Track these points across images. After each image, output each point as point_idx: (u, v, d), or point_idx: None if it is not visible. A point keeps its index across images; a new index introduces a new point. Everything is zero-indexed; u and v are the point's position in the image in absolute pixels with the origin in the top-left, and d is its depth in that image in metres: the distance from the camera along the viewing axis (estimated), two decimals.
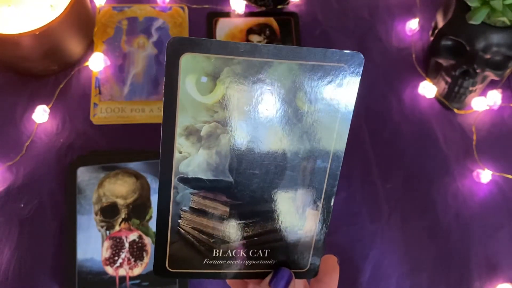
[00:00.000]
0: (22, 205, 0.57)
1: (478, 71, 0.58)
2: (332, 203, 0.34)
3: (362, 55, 0.30)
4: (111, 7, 0.66)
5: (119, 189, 0.57)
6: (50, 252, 0.55)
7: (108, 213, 0.56)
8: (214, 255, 0.34)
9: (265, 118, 0.30)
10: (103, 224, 0.56)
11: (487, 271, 0.58)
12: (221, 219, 0.33)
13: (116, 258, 0.55)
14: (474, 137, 0.63)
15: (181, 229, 0.33)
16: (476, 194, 0.61)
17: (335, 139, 0.32)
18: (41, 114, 0.59)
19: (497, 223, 0.60)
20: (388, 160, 0.62)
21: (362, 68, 0.30)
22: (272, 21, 0.67)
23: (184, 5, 0.67)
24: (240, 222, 0.33)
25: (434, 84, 0.63)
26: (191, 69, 0.29)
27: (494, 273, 0.58)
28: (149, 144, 0.58)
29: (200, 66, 0.29)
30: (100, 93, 0.62)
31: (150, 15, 0.66)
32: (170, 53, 0.28)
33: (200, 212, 0.33)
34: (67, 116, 0.61)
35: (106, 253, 0.55)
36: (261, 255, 0.34)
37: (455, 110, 0.64)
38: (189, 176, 0.32)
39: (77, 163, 0.57)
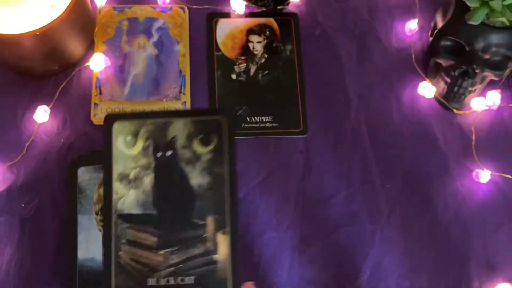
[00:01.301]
0: (23, 205, 0.57)
1: (477, 71, 0.58)
2: (236, 228, 0.38)
3: (229, 111, 0.41)
4: (111, 7, 0.67)
5: None
6: (51, 251, 0.55)
7: None
8: (148, 284, 0.38)
9: (173, 161, 0.39)
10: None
11: (487, 271, 0.58)
12: (151, 248, 0.38)
13: None
14: (474, 137, 0.63)
15: (121, 261, 0.38)
16: (476, 194, 0.61)
17: (227, 170, 0.39)
18: (41, 114, 0.59)
19: (497, 223, 0.60)
20: (388, 160, 0.62)
21: (230, 119, 0.40)
22: (272, 21, 0.67)
23: (184, 5, 0.67)
24: (167, 250, 0.38)
25: (433, 84, 0.64)
26: (120, 132, 0.39)
27: (494, 272, 0.58)
28: None
29: (125, 129, 0.39)
30: (100, 93, 0.62)
31: (150, 16, 0.67)
32: (106, 123, 0.39)
33: (135, 243, 0.38)
34: (67, 116, 0.61)
35: None
36: (188, 282, 0.38)
37: (455, 110, 0.64)
38: (124, 213, 0.39)
39: (77, 163, 0.57)
